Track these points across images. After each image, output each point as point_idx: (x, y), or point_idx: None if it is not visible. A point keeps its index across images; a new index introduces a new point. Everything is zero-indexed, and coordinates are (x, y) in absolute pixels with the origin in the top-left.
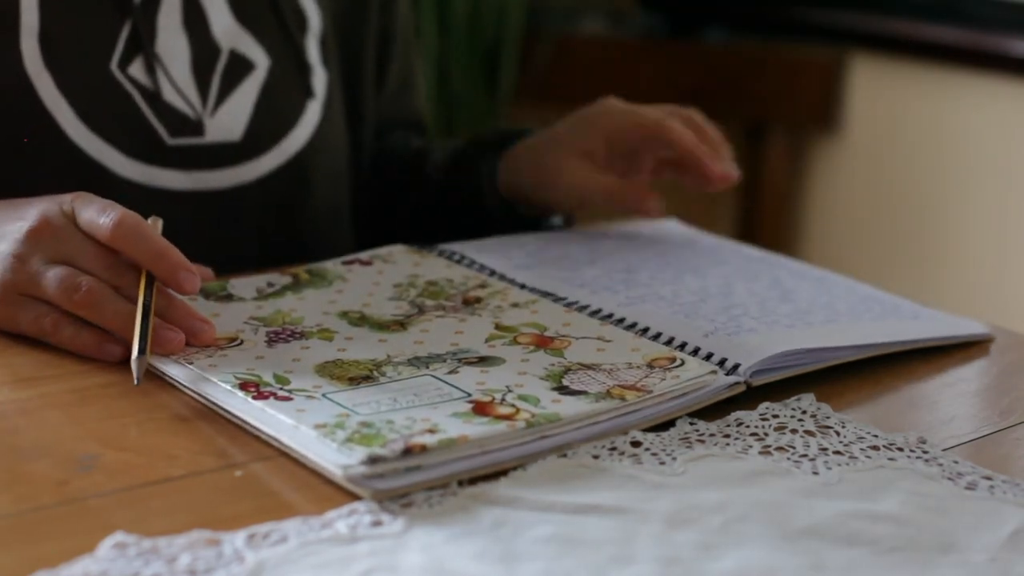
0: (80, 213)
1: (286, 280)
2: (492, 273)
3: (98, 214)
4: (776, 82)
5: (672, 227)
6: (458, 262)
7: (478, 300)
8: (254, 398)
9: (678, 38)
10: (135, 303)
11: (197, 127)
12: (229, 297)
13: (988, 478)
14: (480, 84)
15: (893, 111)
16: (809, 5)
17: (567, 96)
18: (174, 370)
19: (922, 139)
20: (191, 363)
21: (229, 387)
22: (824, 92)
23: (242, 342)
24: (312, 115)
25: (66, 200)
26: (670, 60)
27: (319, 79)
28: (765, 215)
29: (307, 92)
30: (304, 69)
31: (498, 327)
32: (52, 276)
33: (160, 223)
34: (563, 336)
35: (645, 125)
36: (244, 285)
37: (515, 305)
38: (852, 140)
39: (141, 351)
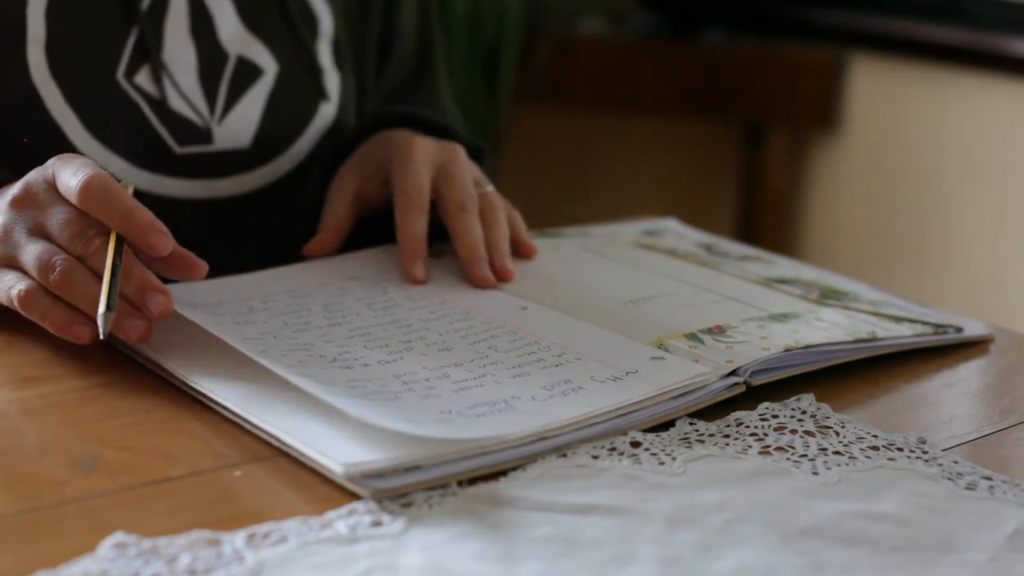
0: (58, 176)
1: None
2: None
3: (71, 176)
4: (776, 82)
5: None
6: None
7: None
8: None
9: (678, 38)
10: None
11: (205, 135)
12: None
13: (988, 478)
14: (480, 84)
15: (893, 111)
16: (809, 5)
17: (567, 96)
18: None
19: (922, 139)
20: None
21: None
22: (824, 92)
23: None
24: (324, 118)
25: (48, 164)
26: (670, 60)
27: (332, 81)
28: (765, 215)
29: (320, 94)
30: (315, 72)
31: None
32: (30, 251)
33: (131, 186)
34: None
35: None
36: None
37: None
38: (852, 140)
39: (109, 307)
